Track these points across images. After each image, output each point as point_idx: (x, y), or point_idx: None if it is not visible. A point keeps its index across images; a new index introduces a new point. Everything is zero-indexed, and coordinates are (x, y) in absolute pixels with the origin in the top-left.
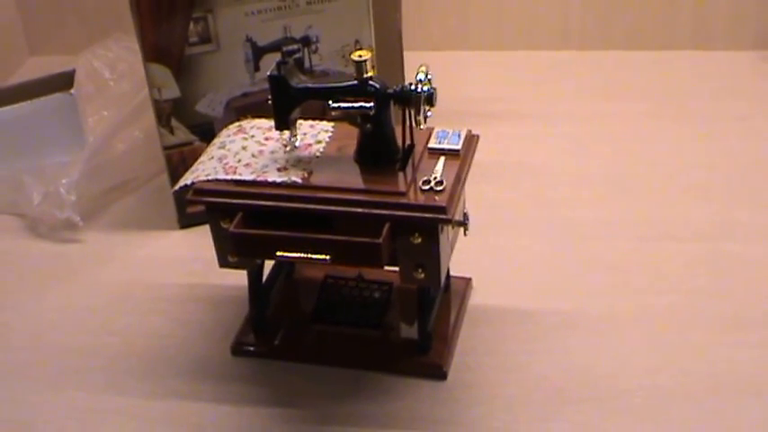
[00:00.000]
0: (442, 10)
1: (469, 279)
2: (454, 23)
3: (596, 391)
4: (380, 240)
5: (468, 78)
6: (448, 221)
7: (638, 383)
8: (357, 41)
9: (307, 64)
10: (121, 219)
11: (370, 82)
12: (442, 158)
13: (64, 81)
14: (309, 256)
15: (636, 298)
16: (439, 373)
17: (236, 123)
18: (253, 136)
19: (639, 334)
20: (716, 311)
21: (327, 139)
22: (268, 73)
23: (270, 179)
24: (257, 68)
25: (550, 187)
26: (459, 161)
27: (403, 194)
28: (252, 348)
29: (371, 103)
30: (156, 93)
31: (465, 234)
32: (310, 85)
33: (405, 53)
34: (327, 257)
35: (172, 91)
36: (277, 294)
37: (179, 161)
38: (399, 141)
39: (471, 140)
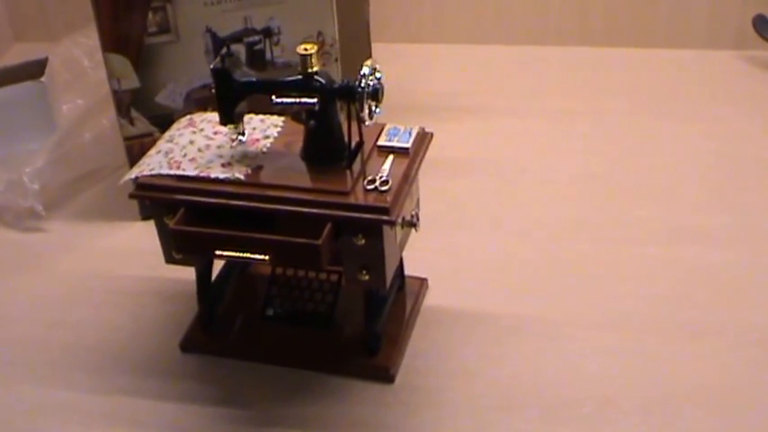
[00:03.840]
0: (418, 1)
1: (425, 279)
2: (430, 16)
3: (544, 400)
4: (319, 242)
5: (443, 72)
6: (391, 223)
7: (588, 393)
8: (320, 33)
9: (268, 55)
10: (85, 208)
11: (316, 77)
12: (391, 157)
13: (36, 69)
14: (248, 255)
15: (594, 303)
16: (386, 377)
17: (188, 116)
18: (202, 129)
19: (594, 340)
20: (672, 319)
21: (276, 135)
22: (211, 66)
23: (212, 175)
24: None
25: (516, 186)
26: (407, 160)
27: (346, 194)
28: (201, 345)
29: (315, 99)
30: (115, 83)
31: (416, 230)
32: (254, 79)
33: (381, 45)
34: (266, 258)
35: (131, 81)
36: (231, 290)
37: (139, 152)
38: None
39: (423, 138)
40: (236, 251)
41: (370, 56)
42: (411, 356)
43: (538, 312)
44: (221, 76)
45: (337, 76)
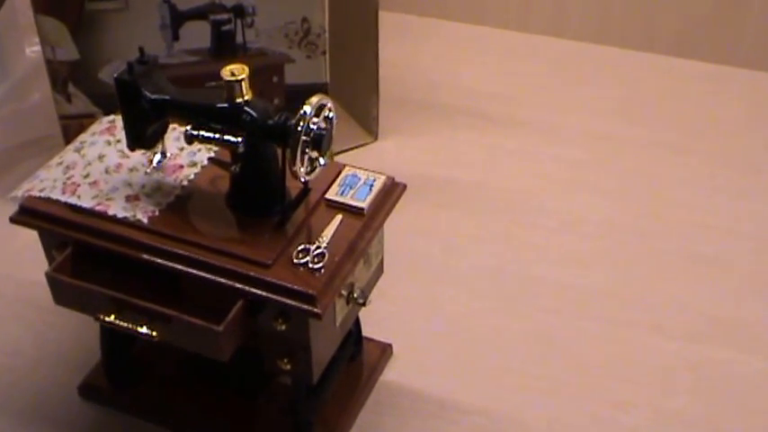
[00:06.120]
0: None
1: (389, 345)
2: None
3: None
4: (220, 328)
5: (475, 62)
6: (317, 316)
7: None
8: (305, 20)
9: (239, 39)
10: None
11: (246, 108)
12: (339, 217)
13: None
14: (130, 326)
15: (587, 408)
16: None
17: (111, 117)
18: (119, 141)
19: None
20: None
21: (206, 162)
22: (115, 75)
23: (110, 211)
24: (176, 37)
25: (524, 228)
26: (360, 224)
27: (266, 267)
28: (102, 395)
29: (240, 138)
30: (49, 51)
31: (365, 306)
32: (167, 98)
33: (408, 17)
34: (153, 334)
35: (68, 51)
36: None
37: (77, 134)
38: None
39: (388, 195)
40: (118, 319)
41: (375, 49)
42: None
43: (515, 412)
44: (126, 89)
45: (324, 72)
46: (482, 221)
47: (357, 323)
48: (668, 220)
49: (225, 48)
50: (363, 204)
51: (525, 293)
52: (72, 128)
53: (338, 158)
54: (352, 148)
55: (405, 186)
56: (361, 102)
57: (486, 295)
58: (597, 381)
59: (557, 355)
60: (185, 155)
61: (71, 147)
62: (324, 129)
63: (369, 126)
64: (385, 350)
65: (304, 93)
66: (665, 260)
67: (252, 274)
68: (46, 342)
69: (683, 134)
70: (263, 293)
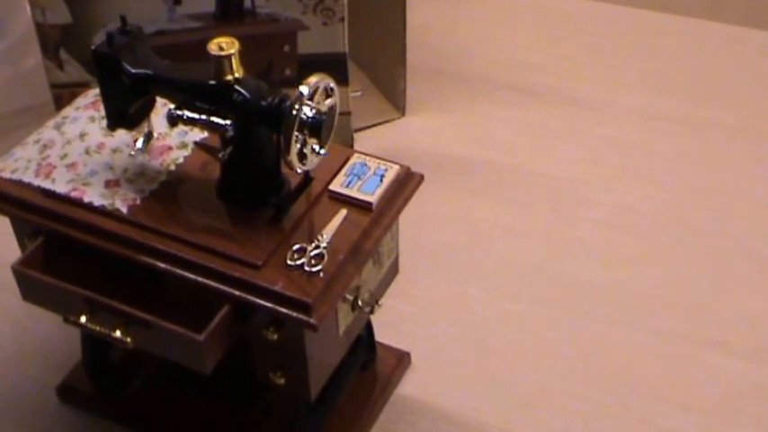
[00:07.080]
0: None
1: (406, 354)
2: None
3: None
4: (201, 337)
5: (517, 29)
6: (311, 327)
7: None
8: None
9: (248, 3)
10: None
11: (236, 87)
12: (343, 212)
13: None
14: (102, 330)
15: None
16: None
17: (97, 90)
18: (104, 117)
19: None
20: None
21: (194, 146)
22: (93, 46)
23: (87, 199)
24: (178, 0)
25: (567, 221)
26: (368, 221)
27: (256, 268)
28: (82, 398)
29: (228, 121)
30: (38, 14)
31: (372, 313)
32: (153, 73)
33: None
34: (128, 340)
35: (60, 15)
36: None
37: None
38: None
39: (402, 187)
40: (90, 321)
41: (403, 13)
42: None
43: None
44: (105, 62)
45: (342, 41)
46: (519, 212)
47: (369, 327)
48: (733, 215)
49: (231, 12)
50: (371, 198)
51: (566, 297)
52: (64, 97)
53: (361, 136)
54: (376, 125)
55: (422, 177)
56: (387, 73)
57: (520, 298)
58: (647, 404)
59: (600, 372)
60: (175, 134)
61: (51, 123)
62: (323, 114)
63: (395, 100)
64: (402, 359)
65: (319, 63)
66: (730, 263)
67: (239, 275)
68: (25, 333)
69: (752, 116)
70: (252, 298)
